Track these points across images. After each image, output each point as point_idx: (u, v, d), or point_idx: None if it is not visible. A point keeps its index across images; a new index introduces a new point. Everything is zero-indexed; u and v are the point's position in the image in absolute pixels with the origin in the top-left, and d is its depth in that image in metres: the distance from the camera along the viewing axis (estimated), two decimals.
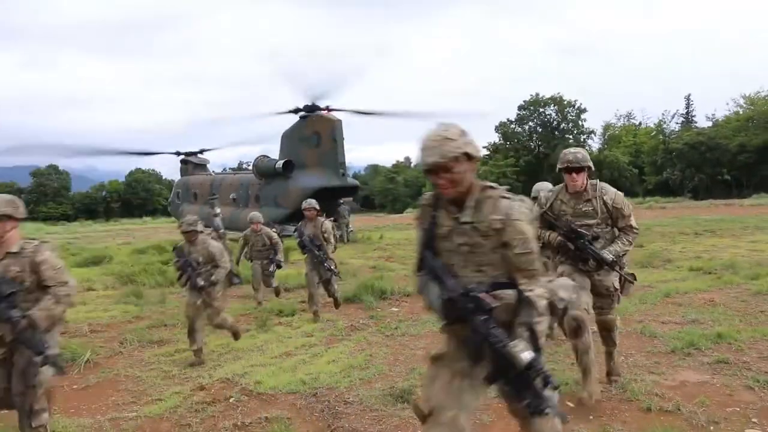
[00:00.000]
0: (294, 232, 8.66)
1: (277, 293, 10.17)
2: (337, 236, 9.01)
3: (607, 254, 4.51)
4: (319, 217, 8.59)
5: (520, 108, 66.73)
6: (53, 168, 78.88)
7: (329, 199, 23.84)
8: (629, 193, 53.35)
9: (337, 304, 8.68)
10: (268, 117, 25.43)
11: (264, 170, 24.62)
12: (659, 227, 20.90)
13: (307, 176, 23.50)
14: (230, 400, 5.12)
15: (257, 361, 6.31)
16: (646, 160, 61.73)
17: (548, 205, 4.73)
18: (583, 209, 4.63)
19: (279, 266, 9.75)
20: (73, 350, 6.68)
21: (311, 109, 24.00)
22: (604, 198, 4.60)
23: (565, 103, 65.25)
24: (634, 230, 4.66)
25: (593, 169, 4.64)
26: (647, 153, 62.05)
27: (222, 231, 8.50)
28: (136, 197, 79.23)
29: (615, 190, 4.69)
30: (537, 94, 65.80)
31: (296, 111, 24.28)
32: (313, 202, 8.66)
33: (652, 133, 66.75)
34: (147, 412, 4.95)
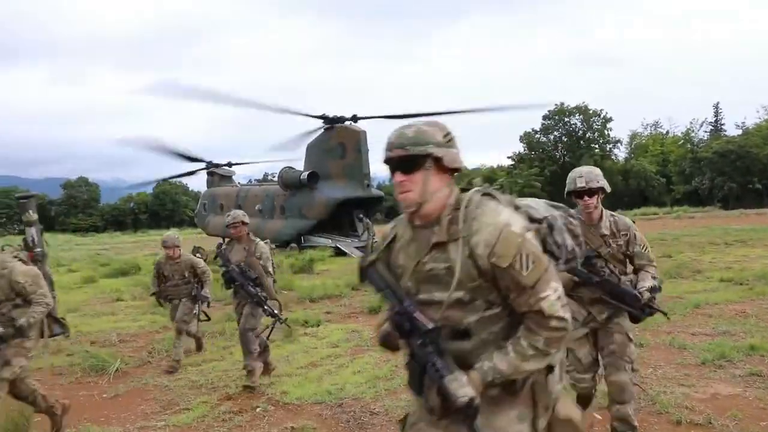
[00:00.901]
0: (216, 257, 6.09)
1: (199, 346, 7.47)
2: (273, 265, 6.24)
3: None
4: (252, 237, 6.06)
5: (544, 117, 66.26)
6: (83, 180, 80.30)
7: (354, 210, 24.01)
8: (657, 203, 53.04)
9: (268, 370, 6.19)
10: (295, 120, 25.18)
11: (289, 181, 24.82)
12: (688, 237, 20.57)
13: (332, 187, 23.64)
14: (257, 410, 5.16)
15: (283, 372, 6.34)
16: (673, 170, 60.86)
17: None
18: None
19: (207, 304, 7.13)
20: (102, 359, 6.79)
21: (337, 120, 24.13)
22: None
23: (591, 112, 64.69)
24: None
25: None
26: (675, 162, 61.19)
27: (39, 250, 5.22)
28: (164, 209, 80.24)
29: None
30: (562, 104, 65.33)
31: (323, 117, 24.27)
32: (240, 215, 6.01)
33: (680, 142, 65.87)
34: (175, 422, 5.02)
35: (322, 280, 12.71)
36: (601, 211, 3.81)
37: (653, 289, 3.69)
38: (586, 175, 3.72)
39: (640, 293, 3.64)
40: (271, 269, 5.96)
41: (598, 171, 3.77)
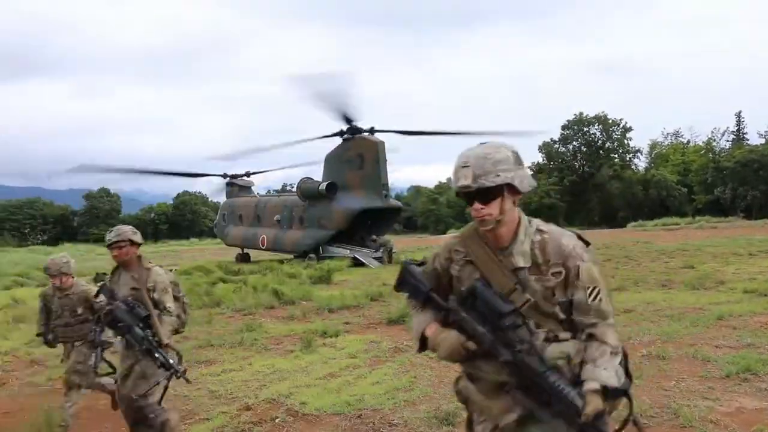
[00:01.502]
0: (100, 289, 4.54)
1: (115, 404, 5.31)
2: (185, 302, 4.98)
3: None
4: (146, 263, 4.44)
5: (563, 127, 66.07)
6: (105, 191, 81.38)
7: (373, 220, 24.12)
8: (678, 213, 52.52)
9: None
10: (312, 141, 25.41)
11: (308, 192, 24.97)
12: (711, 247, 20.30)
13: (351, 198, 23.74)
14: (276, 421, 5.17)
15: (302, 382, 6.34)
16: (695, 179, 60.25)
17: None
18: None
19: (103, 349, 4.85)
20: None
21: (355, 131, 24.29)
22: None
23: (610, 121, 64.34)
24: None
25: None
26: (696, 171, 60.59)
27: None
28: (184, 219, 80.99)
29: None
30: (581, 113, 65.10)
31: (341, 134, 24.62)
32: (126, 231, 4.33)
33: (702, 151, 65.22)
34: (195, 431, 5.04)
35: (340, 291, 12.72)
36: (517, 223, 2.15)
37: (610, 391, 1.95)
38: (474, 164, 2.03)
39: (581, 399, 1.92)
40: (170, 304, 4.40)
41: (500, 155, 2.05)
